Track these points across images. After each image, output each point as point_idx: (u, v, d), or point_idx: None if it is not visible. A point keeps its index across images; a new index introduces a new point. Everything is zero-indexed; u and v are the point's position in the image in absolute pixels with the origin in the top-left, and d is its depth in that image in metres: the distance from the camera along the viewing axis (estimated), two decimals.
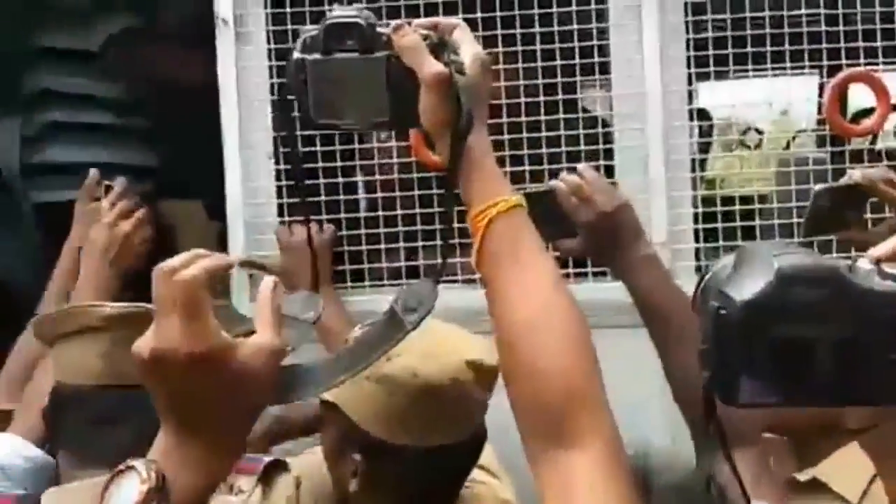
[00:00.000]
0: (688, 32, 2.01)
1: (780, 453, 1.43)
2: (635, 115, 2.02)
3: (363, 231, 2.07)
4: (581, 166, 1.63)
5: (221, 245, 2.10)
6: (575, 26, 2.02)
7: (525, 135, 2.02)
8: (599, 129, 2.05)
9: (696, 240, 2.04)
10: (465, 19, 1.10)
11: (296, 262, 1.94)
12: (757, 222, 2.05)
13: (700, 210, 2.08)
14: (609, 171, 2.03)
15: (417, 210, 2.03)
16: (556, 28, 2.02)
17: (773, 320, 0.69)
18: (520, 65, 2.02)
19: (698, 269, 2.01)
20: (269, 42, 2.06)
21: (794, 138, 2.79)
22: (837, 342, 0.69)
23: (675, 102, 2.02)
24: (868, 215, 1.72)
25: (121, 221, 1.98)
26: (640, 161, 2.02)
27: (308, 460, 1.46)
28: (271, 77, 2.04)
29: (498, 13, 2.00)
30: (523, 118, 2.02)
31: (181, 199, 2.41)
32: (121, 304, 1.32)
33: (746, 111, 2.66)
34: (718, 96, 2.46)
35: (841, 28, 1.99)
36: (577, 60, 2.02)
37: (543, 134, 2.03)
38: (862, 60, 1.97)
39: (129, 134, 2.55)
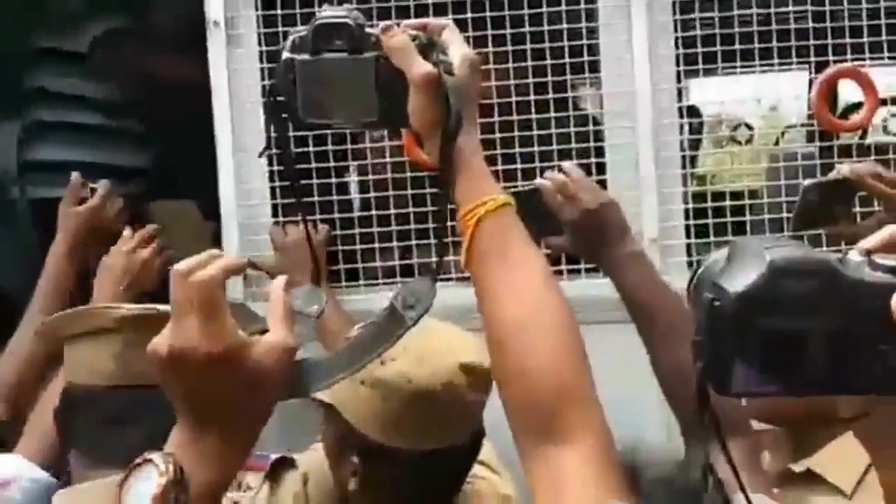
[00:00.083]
0: (676, 31, 2.03)
1: (775, 444, 1.44)
2: (625, 114, 2.04)
3: (357, 230, 2.08)
4: (566, 165, 1.65)
5: (216, 245, 2.11)
6: (565, 26, 2.03)
7: (516, 133, 2.03)
8: (590, 128, 2.07)
9: (688, 236, 2.05)
10: (456, 20, 1.11)
11: (290, 262, 1.95)
12: (748, 218, 2.06)
13: (691, 206, 2.09)
14: (600, 169, 2.04)
15: (411, 209, 2.04)
16: (545, 28, 2.03)
17: (765, 311, 0.70)
18: (510, 64, 2.03)
19: (690, 264, 2.02)
20: (260, 44, 2.07)
21: (783, 134, 2.81)
22: (829, 332, 0.70)
23: (665, 100, 2.03)
24: (857, 209, 1.73)
25: (139, 249, 1.97)
26: (631, 158, 2.04)
27: (314, 457, 1.47)
28: (263, 79, 2.05)
29: (488, 13, 2.01)
30: (514, 117, 2.03)
31: (173, 199, 2.41)
32: (134, 306, 1.33)
33: (736, 107, 2.68)
34: (708, 93, 2.47)
35: (828, 24, 2.00)
36: (567, 60, 2.03)
37: (535, 133, 2.04)
38: (849, 56, 1.98)
39: (119, 134, 2.55)
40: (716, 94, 2.33)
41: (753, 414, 1.41)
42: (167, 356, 0.89)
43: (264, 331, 0.92)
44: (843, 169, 1.66)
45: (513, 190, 1.32)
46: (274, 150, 1.13)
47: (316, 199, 2.04)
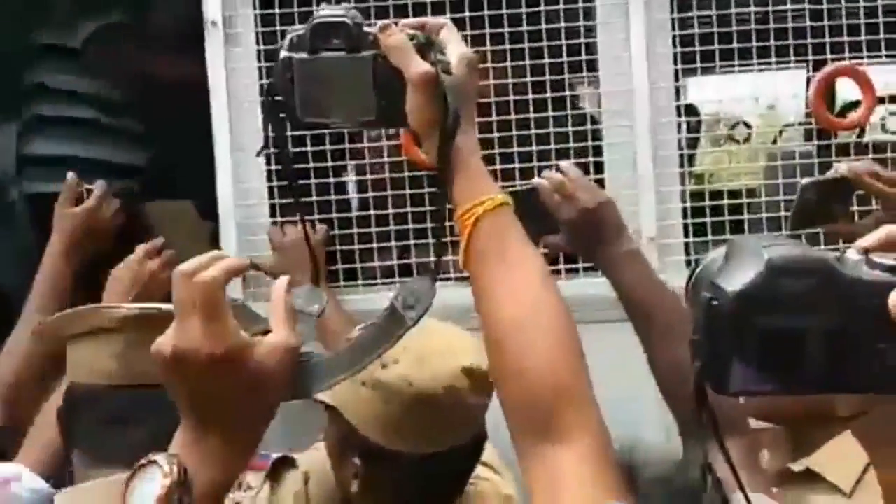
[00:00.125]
0: (674, 29, 2.03)
1: (774, 443, 1.44)
2: (623, 112, 2.04)
3: (355, 230, 2.08)
4: (564, 164, 1.65)
5: (213, 245, 2.10)
6: (562, 24, 2.04)
7: (515, 132, 2.03)
8: (588, 126, 2.07)
9: (686, 235, 2.06)
10: (454, 18, 1.11)
11: (289, 262, 1.95)
12: (746, 216, 2.06)
13: (689, 205, 2.09)
14: (598, 168, 2.04)
15: (409, 208, 2.04)
16: (543, 26, 2.03)
17: (763, 310, 0.70)
18: (508, 63, 2.03)
19: (688, 263, 2.02)
20: (258, 43, 2.07)
21: (780, 133, 2.81)
22: (827, 331, 0.70)
23: (663, 99, 2.04)
24: (855, 207, 1.73)
25: (147, 261, 1.96)
26: (629, 157, 2.04)
27: (316, 456, 1.47)
28: (261, 78, 2.05)
29: (486, 12, 2.01)
30: (513, 116, 2.03)
31: (170, 198, 2.41)
32: (135, 305, 1.33)
33: (734, 106, 2.68)
34: (706, 91, 2.47)
35: (826, 23, 2.00)
36: (564, 58, 2.03)
37: (533, 131, 2.04)
38: (847, 54, 1.98)
39: (115, 132, 2.54)
40: (714, 92, 2.33)
41: (752, 412, 1.41)
42: (170, 357, 0.89)
43: (266, 331, 0.93)
44: (841, 167, 1.66)
45: (510, 189, 1.32)
46: (272, 150, 1.13)
47: (314, 198, 2.04)
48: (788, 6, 2.03)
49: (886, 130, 2.62)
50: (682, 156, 2.09)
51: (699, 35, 2.03)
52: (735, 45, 2.02)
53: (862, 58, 2.00)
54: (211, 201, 2.11)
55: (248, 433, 0.93)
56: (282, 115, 1.07)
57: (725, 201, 2.09)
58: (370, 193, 2.10)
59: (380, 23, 1.03)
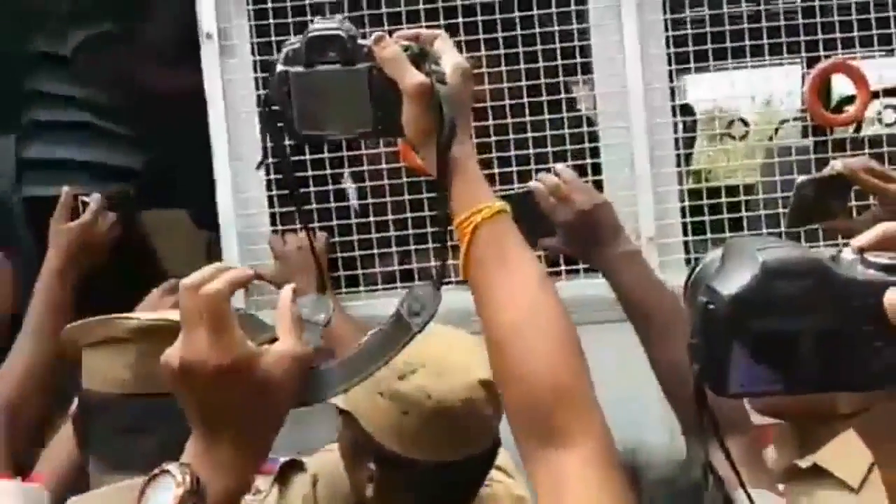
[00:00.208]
0: (667, 30, 2.03)
1: (780, 440, 1.45)
2: (619, 113, 2.05)
3: (356, 237, 2.09)
4: (559, 166, 1.65)
5: (209, 254, 2.11)
6: (556, 28, 2.04)
7: (511, 136, 2.04)
8: (585, 128, 2.07)
9: (684, 233, 2.06)
10: (447, 25, 1.12)
11: (290, 271, 1.95)
12: (744, 213, 2.07)
13: (687, 204, 2.10)
14: (596, 169, 2.05)
15: (409, 214, 2.05)
16: (537, 30, 2.04)
17: (759, 313, 0.71)
18: (503, 68, 2.04)
19: (687, 262, 2.03)
20: (253, 54, 2.07)
21: (776, 130, 2.81)
22: (823, 331, 0.71)
23: (658, 99, 2.04)
24: (853, 203, 1.73)
25: (166, 297, 1.92)
26: (626, 158, 2.05)
27: (325, 458, 1.48)
28: (257, 89, 2.06)
29: (479, 17, 2.02)
30: (509, 120, 2.04)
31: (166, 202, 2.41)
32: (147, 315, 1.34)
33: (730, 103, 2.69)
34: (703, 89, 2.48)
35: (818, 20, 2.01)
36: (559, 61, 2.04)
37: (530, 135, 2.05)
38: (840, 50, 1.99)
39: (111, 139, 2.55)
40: (709, 90, 2.34)
41: (758, 407, 1.41)
42: (179, 369, 0.91)
43: (273, 340, 0.94)
44: (837, 164, 1.66)
45: (506, 193, 1.32)
46: (271, 160, 1.13)
47: (314, 206, 2.05)
48: (780, 3, 2.04)
49: (882, 124, 2.63)
50: (678, 155, 2.09)
51: (692, 35, 2.04)
52: (728, 44, 2.02)
53: (855, 52, 2.01)
54: (208, 205, 2.11)
55: (258, 441, 0.94)
56: (279, 125, 1.08)
57: (723, 199, 2.09)
58: (370, 199, 2.10)
59: (374, 35, 1.04)
